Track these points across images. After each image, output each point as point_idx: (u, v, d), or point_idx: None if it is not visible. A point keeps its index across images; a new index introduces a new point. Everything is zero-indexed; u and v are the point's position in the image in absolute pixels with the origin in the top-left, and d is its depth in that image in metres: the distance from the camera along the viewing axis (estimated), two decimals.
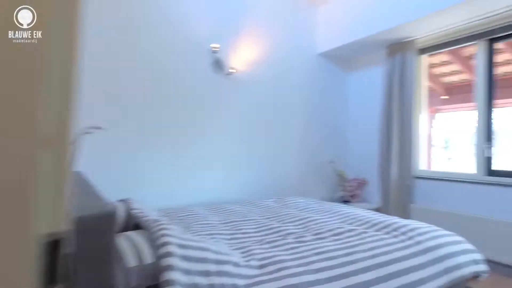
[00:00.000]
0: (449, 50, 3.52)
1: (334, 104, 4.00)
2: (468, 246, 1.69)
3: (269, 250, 1.46)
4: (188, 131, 2.95)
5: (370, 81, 3.80)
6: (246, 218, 2.08)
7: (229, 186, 3.16)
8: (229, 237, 1.73)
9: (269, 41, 3.47)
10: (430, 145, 4.21)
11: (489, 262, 2.61)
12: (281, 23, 3.56)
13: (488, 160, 2.84)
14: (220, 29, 3.13)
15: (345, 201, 3.78)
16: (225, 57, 3.14)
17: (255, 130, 3.36)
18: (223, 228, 1.86)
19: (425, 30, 3.09)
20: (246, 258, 1.36)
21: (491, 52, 2.88)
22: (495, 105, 2.87)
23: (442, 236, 1.65)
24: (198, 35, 3.01)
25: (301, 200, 2.70)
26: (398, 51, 3.34)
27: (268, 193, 3.42)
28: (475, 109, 2.96)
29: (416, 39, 3.22)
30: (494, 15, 2.68)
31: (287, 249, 1.47)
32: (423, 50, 3.33)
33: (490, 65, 2.87)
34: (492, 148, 2.84)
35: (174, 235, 1.26)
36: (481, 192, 2.78)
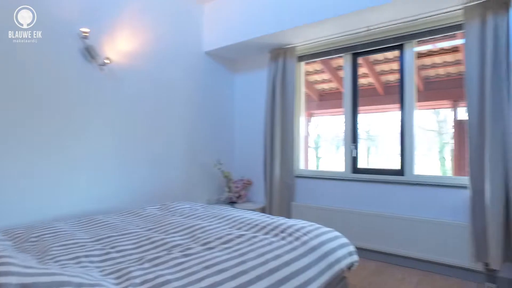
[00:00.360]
0: (322, 60, 3.88)
1: (221, 105, 3.95)
2: (344, 240, 1.83)
3: (151, 269, 1.25)
4: (51, 130, 2.41)
5: (255, 83, 3.89)
6: (124, 232, 1.78)
7: (104, 194, 2.73)
8: (101, 258, 1.44)
9: (152, 33, 3.17)
10: (307, 146, 4.56)
11: (359, 250, 2.96)
12: (166, 15, 3.30)
13: (354, 159, 3.23)
14: (92, 12, 2.68)
15: (232, 202, 3.77)
16: (98, 44, 2.70)
17: (135, 129, 3.01)
18: (93, 248, 1.54)
19: (303, 39, 3.32)
20: (122, 285, 1.13)
21: (355, 65, 3.29)
22: (358, 111, 3.28)
23: (323, 233, 1.75)
24: (63, 14, 2.50)
25: (187, 206, 2.53)
26: (280, 56, 3.51)
27: (152, 199, 3.12)
28: (343, 114, 3.33)
29: (295, 46, 3.43)
30: (356, 33, 3.06)
31: (172, 266, 1.29)
32: (301, 58, 3.58)
33: (355, 76, 3.28)
34: (357, 149, 3.24)
35: (14, 272, 0.93)
36: (350, 188, 3.14)
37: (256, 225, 1.84)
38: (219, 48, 3.63)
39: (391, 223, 2.81)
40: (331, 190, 3.25)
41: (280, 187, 3.47)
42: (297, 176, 3.50)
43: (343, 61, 3.36)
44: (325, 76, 5.14)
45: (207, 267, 1.27)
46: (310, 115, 6.00)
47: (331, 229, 1.87)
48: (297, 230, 1.72)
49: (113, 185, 2.80)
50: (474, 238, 2.42)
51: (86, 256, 1.43)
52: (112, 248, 1.53)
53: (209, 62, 3.80)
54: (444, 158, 10.29)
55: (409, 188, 2.80)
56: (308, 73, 5.12)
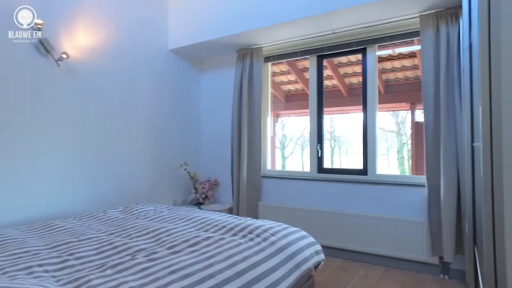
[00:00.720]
0: (288, 61, 3.92)
1: (187, 104, 3.87)
2: (311, 239, 1.86)
3: (113, 276, 1.19)
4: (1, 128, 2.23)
5: (223, 83, 3.86)
6: (83, 237, 1.68)
7: (62, 198, 2.57)
8: (57, 267, 1.34)
9: (114, 27, 3.03)
10: (274, 147, 4.60)
11: (325, 248, 3.03)
12: (129, 9, 3.17)
13: (320, 159, 3.30)
14: (47, 0, 2.51)
15: (198, 203, 3.71)
16: (53, 37, 2.54)
17: (96, 129, 2.87)
18: (48, 256, 1.44)
19: (270, 40, 3.33)
20: None
21: (320, 67, 3.36)
22: (324, 112, 3.35)
23: (291, 233, 1.76)
24: (13, 2, 2.32)
25: (151, 208, 2.45)
26: (247, 56, 3.50)
27: (115, 202, 2.98)
28: (309, 115, 3.39)
29: (262, 47, 3.45)
30: (322, 36, 3.13)
31: (136, 272, 1.23)
32: (268, 58, 3.60)
33: (320, 77, 3.35)
34: (323, 149, 3.32)
35: None
36: (315, 188, 3.20)
37: (224, 226, 1.81)
38: (184, 47, 3.55)
39: (355, 221, 2.91)
40: (297, 190, 3.30)
41: (247, 187, 3.46)
42: (264, 176, 3.51)
43: (309, 62, 3.42)
44: (291, 77, 5.21)
45: (173, 272, 1.23)
46: (276, 116, 6.06)
47: (298, 228, 1.89)
48: (265, 230, 1.72)
49: (72, 188, 2.64)
50: (430, 233, 2.57)
51: (40, 265, 1.32)
52: (70, 255, 1.44)
53: (175, 61, 3.71)
54: (403, 158, 10.85)
55: (371, 187, 2.91)
56: (274, 74, 5.17)
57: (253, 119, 3.47)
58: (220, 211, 3.48)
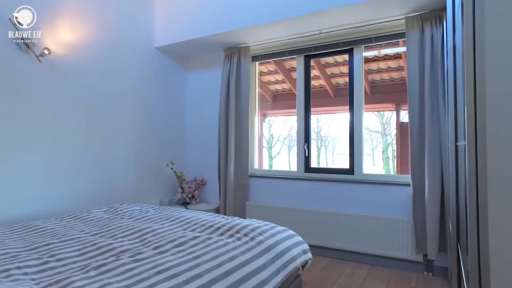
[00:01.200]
0: (275, 61, 3.92)
1: (173, 103, 3.82)
2: (298, 238, 1.86)
3: (97, 278, 1.16)
4: None
5: (210, 82, 3.83)
6: (65, 238, 1.63)
7: (45, 197, 2.49)
8: (37, 269, 1.29)
9: (98, 23, 2.97)
10: (261, 146, 4.59)
11: (312, 247, 3.04)
12: (114, 5, 3.11)
13: (307, 159, 3.31)
14: None
15: (185, 203, 3.67)
16: (35, 33, 2.46)
17: (80, 127, 2.80)
18: (28, 257, 1.39)
19: (257, 39, 3.33)
20: None
21: (307, 67, 3.37)
22: (311, 112, 3.36)
23: (278, 232, 1.75)
24: None
25: (137, 208, 2.40)
26: (235, 55, 3.48)
27: (100, 202, 2.92)
28: (296, 115, 3.40)
29: (250, 46, 3.43)
30: (309, 36, 3.15)
31: (121, 273, 1.20)
32: (255, 58, 3.59)
33: (307, 77, 3.36)
34: (310, 149, 3.33)
35: None
36: (302, 187, 3.20)
37: (211, 226, 1.79)
38: (171, 44, 3.51)
39: (342, 220, 2.93)
40: (284, 189, 3.30)
41: (234, 187, 3.45)
42: (252, 176, 3.50)
43: (296, 62, 3.43)
44: (279, 77, 5.22)
45: (158, 272, 1.20)
46: (263, 115, 6.07)
47: (285, 228, 1.89)
48: (252, 230, 1.71)
49: (54, 188, 2.57)
50: (415, 231, 2.61)
51: (19, 267, 1.28)
52: (51, 256, 1.39)
53: (161, 58, 3.66)
54: (388, 158, 11.03)
55: (358, 186, 2.93)
56: (262, 74, 5.17)
57: (241, 118, 3.46)
58: (207, 211, 3.45)
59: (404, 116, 4.86)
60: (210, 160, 3.73)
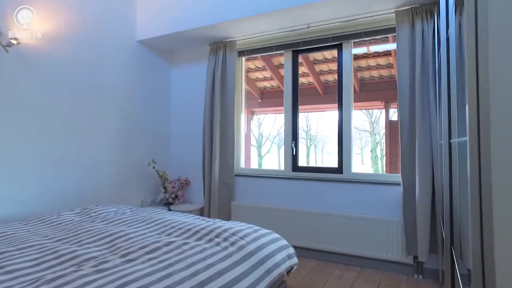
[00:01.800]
0: (263, 57, 3.79)
1: (156, 99, 3.66)
2: (283, 242, 1.74)
3: None
4: None
5: (195, 77, 3.68)
6: (24, 245, 1.47)
7: (16, 198, 2.31)
8: None
9: (75, 14, 2.79)
10: (249, 144, 4.46)
11: (299, 249, 2.92)
12: None
13: (294, 157, 3.20)
14: None
15: (168, 203, 3.51)
16: (1, 20, 2.28)
17: (55, 121, 2.62)
18: None
19: (243, 33, 3.19)
20: None
21: (295, 62, 3.25)
22: (299, 109, 3.25)
23: (262, 236, 1.63)
24: None
25: (113, 210, 2.24)
26: (220, 50, 3.34)
27: (76, 203, 2.74)
28: (283, 113, 3.28)
29: (236, 40, 3.30)
30: (297, 30, 3.03)
31: (78, 286, 1.06)
32: (242, 53, 3.46)
33: (295, 73, 3.25)
34: (297, 147, 3.22)
35: None
36: (290, 187, 3.09)
37: (189, 229, 1.66)
38: (154, 38, 3.34)
39: (330, 221, 2.82)
40: (271, 189, 3.18)
41: (220, 186, 3.31)
42: (237, 175, 3.37)
43: (284, 58, 3.31)
44: (267, 73, 5.10)
45: (124, 285, 1.06)
46: (251, 113, 5.93)
47: (270, 231, 1.77)
48: (234, 233, 1.58)
49: (28, 188, 2.39)
50: (405, 232, 2.52)
51: None
52: (0, 268, 1.23)
53: (143, 52, 3.50)
54: (376, 156, 11.04)
55: (347, 186, 2.83)
56: (249, 70, 5.04)
57: (226, 116, 3.32)
58: (191, 211, 3.30)
59: (394, 114, 4.80)
60: (195, 158, 3.58)
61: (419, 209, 2.41)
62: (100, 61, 3.01)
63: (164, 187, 3.52)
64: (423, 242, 2.40)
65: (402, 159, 2.55)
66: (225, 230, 1.61)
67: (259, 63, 4.80)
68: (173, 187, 3.52)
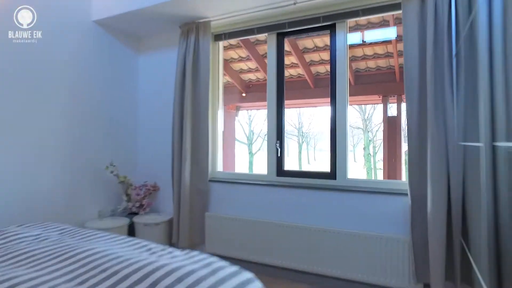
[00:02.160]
0: (246, 45, 3.28)
1: (119, 92, 3.12)
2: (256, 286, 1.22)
3: None
4: None
5: (165, 66, 3.13)
6: None
7: None
8: None
9: None
10: (232, 144, 3.94)
11: (285, 270, 2.43)
12: None
13: (279, 160, 2.70)
14: None
15: (132, 213, 2.99)
16: None
17: None
18: None
19: (219, 12, 2.67)
20: None
21: (281, 47, 2.75)
22: (285, 104, 2.75)
23: (221, 282, 1.11)
24: None
25: (35, 233, 1.69)
26: (192, 32, 2.81)
27: (21, 217, 2.21)
28: (266, 108, 2.78)
29: (210, 21, 2.78)
30: (282, 7, 2.51)
31: None
32: (219, 36, 2.94)
33: (280, 60, 2.74)
34: (283, 147, 2.71)
35: None
36: (274, 195, 2.59)
37: (116, 272, 1.14)
38: (112, 17, 2.80)
39: (321, 238, 2.33)
40: (253, 197, 2.68)
41: (191, 194, 2.80)
42: (213, 180, 2.86)
43: (267, 42, 2.80)
44: (251, 64, 4.58)
45: None
46: (236, 109, 5.40)
47: (236, 269, 1.26)
48: (180, 280, 1.07)
49: None
50: (414, 253, 2.04)
51: None
52: None
53: (102, 36, 2.94)
54: (369, 154, 10.62)
55: (341, 195, 2.34)
56: (232, 61, 4.51)
57: (199, 111, 2.80)
58: (158, 224, 2.79)
59: (393, 110, 4.33)
60: (166, 160, 3.04)
61: (432, 225, 1.93)
62: (47, 44, 2.46)
63: (127, 195, 2.99)
64: (437, 266, 1.92)
65: (409, 163, 2.07)
66: (167, 274, 1.10)
67: (243, 52, 4.27)
68: (138, 195, 2.99)
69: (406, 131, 2.07)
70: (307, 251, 2.36)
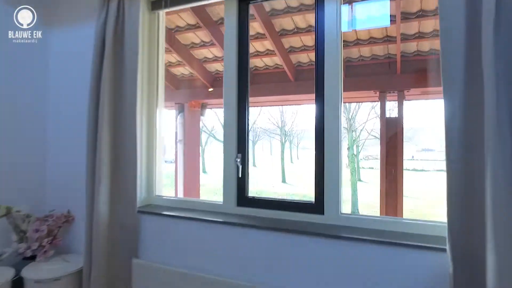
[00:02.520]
0: (208, 26, 2.38)
1: (20, 82, 2.18)
2: None
3: None
4: None
5: (84, 46, 2.19)
6: None
7: None
8: None
9: None
10: (191, 152, 3.10)
11: None
12: None
13: (241, 182, 1.83)
14: None
15: (30, 258, 2.05)
16: None
17: None
18: None
19: None
20: None
21: (244, 17, 1.87)
22: (260, 103, 1.91)
23: None
24: None
25: None
26: None
27: None
28: (223, 107, 1.90)
29: None
30: None
31: None
32: (157, 3, 2.05)
33: (243, 37, 1.87)
34: (246, 164, 1.85)
35: None
36: (232, 236, 1.72)
37: None
38: None
39: None
40: (201, 239, 1.80)
41: (111, 231, 1.90)
42: (143, 212, 1.95)
43: (224, 10, 1.92)
44: (217, 51, 3.68)
45: None
46: (201, 107, 4.47)
47: None
48: None
49: None
50: None
51: None
52: None
53: None
54: (354, 155, 10.00)
55: (333, 244, 1.49)
56: (193, 46, 3.61)
57: (122, 109, 1.90)
58: (58, 279, 1.87)
59: (393, 110, 3.52)
60: (83, 180, 2.10)
61: None
62: None
63: (22, 232, 2.05)
64: None
65: (449, 194, 1.23)
66: None
67: (206, 36, 3.36)
68: (37, 230, 2.04)
69: (445, 143, 1.23)
70: None
